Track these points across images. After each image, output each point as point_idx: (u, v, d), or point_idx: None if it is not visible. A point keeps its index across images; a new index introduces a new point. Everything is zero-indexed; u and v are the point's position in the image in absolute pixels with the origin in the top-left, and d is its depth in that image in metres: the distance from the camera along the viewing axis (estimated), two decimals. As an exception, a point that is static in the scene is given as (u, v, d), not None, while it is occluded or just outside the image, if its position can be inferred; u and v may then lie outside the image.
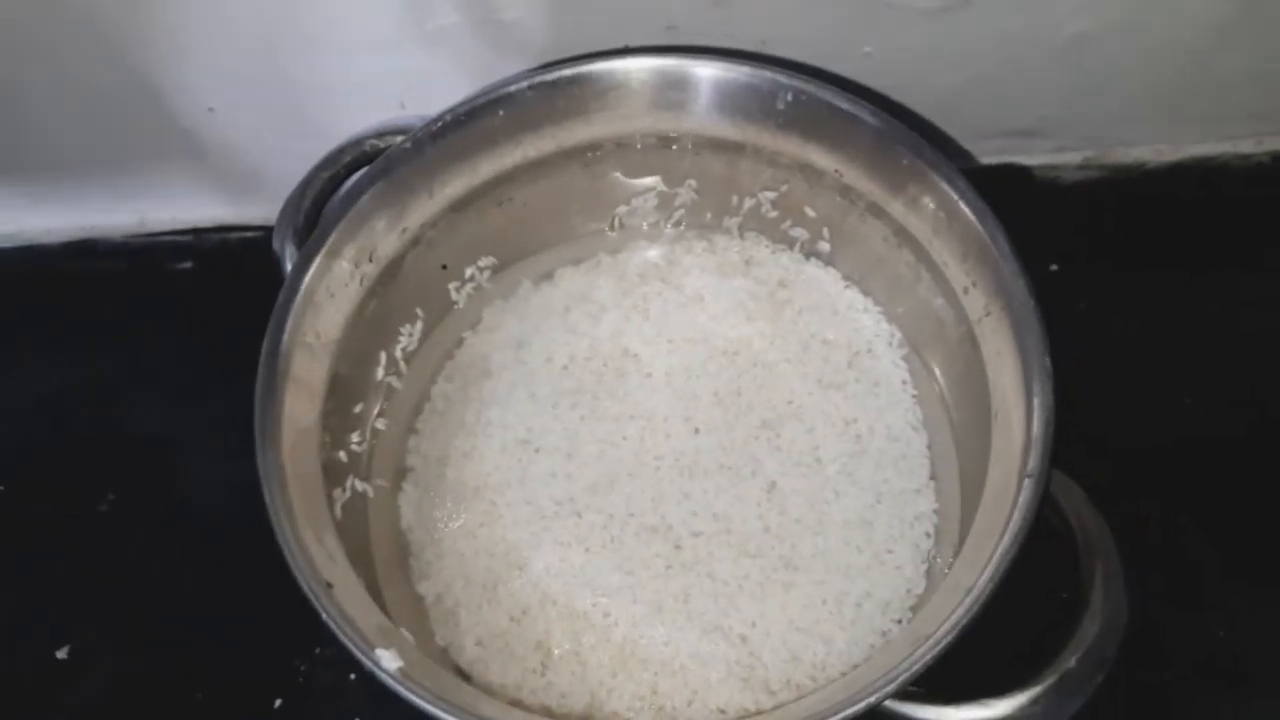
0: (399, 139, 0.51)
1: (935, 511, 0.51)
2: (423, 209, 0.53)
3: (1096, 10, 0.57)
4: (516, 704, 0.47)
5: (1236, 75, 0.63)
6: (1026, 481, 0.38)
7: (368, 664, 0.38)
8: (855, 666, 0.47)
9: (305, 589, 0.39)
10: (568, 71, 0.51)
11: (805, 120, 0.50)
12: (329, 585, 0.40)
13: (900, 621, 0.48)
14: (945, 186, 0.45)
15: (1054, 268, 0.63)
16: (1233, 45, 0.60)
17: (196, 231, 0.71)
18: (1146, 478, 0.56)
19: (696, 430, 0.54)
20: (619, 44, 0.58)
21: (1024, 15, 0.57)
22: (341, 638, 0.38)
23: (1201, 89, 0.64)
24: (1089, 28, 0.58)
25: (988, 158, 0.70)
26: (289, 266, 0.49)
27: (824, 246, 0.58)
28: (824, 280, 0.58)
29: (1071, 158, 0.70)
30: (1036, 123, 0.68)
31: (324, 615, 0.39)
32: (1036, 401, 0.39)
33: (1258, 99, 0.66)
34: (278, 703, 0.53)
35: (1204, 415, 0.59)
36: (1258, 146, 0.69)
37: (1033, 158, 0.70)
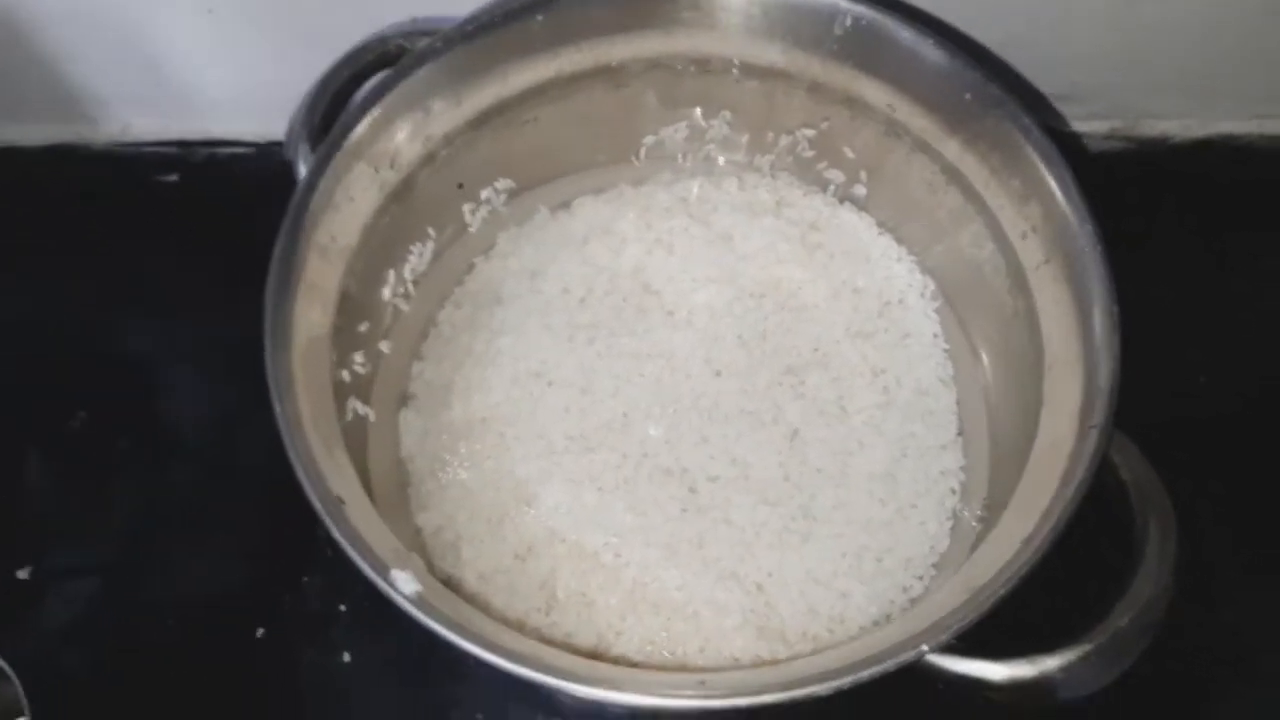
0: (426, 39, 0.47)
1: (962, 468, 0.50)
2: (448, 116, 0.49)
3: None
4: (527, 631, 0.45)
5: (1269, 55, 0.62)
6: (1092, 432, 0.36)
7: (383, 586, 0.35)
8: (875, 622, 0.45)
9: (315, 503, 0.36)
10: (612, -20, 0.48)
11: (862, 49, 0.47)
12: (341, 500, 0.37)
13: (922, 579, 0.47)
14: (1010, 125, 0.43)
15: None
16: (1269, 24, 0.59)
17: (184, 144, 0.67)
18: (1163, 457, 0.55)
19: (718, 373, 0.52)
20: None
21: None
22: (354, 557, 0.36)
23: (1239, 64, 0.63)
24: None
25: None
26: (303, 168, 0.45)
27: (859, 190, 0.55)
28: (858, 226, 0.56)
29: (1099, 126, 0.69)
30: (1069, 88, 0.66)
31: (335, 532, 0.36)
32: (1103, 351, 0.37)
33: (1291, 78, 0.65)
34: (260, 632, 0.50)
35: (1221, 394, 0.58)
36: (1286, 126, 0.68)
37: (1061, 123, 0.68)
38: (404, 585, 0.35)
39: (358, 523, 0.37)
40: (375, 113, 0.46)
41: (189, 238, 0.63)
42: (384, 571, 0.35)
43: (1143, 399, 0.56)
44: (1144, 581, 0.36)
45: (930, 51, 0.45)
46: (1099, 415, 0.36)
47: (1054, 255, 0.42)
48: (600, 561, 0.47)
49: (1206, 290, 0.62)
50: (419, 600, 0.35)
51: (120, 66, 0.62)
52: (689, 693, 0.36)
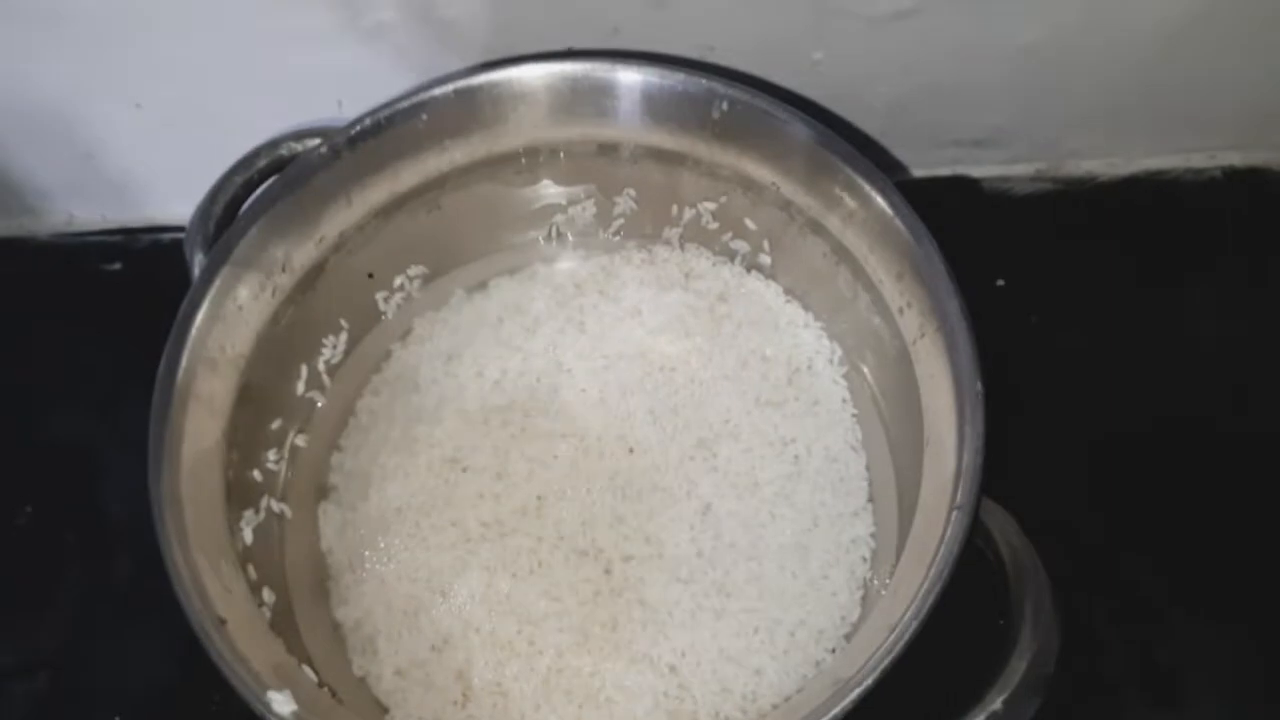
0: (316, 143, 0.49)
1: (872, 535, 0.50)
2: (341, 217, 0.50)
3: (1048, 19, 0.56)
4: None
5: (1189, 89, 0.62)
6: (955, 514, 0.36)
7: (257, 708, 0.36)
8: (786, 698, 0.45)
9: (194, 625, 0.37)
10: (494, 75, 0.49)
11: (742, 131, 0.48)
12: (221, 620, 0.37)
13: (834, 651, 0.47)
14: (880, 202, 0.44)
15: (1000, 283, 0.62)
16: (1184, 59, 0.59)
17: (127, 231, 0.69)
18: (1094, 491, 0.55)
19: (631, 450, 0.52)
20: (561, 45, 0.56)
21: (975, 24, 0.56)
22: (230, 678, 0.36)
23: (1154, 102, 0.64)
24: (1040, 37, 0.57)
25: (940, 168, 0.69)
26: (197, 276, 0.46)
27: (765, 260, 0.56)
28: (765, 294, 0.56)
29: (1024, 169, 0.69)
30: (988, 133, 0.67)
31: (212, 654, 0.36)
32: (968, 430, 0.38)
33: (1210, 113, 0.65)
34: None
35: (1153, 429, 0.58)
36: (1210, 161, 0.69)
37: (985, 168, 0.69)
38: (280, 707, 0.36)
39: (239, 642, 0.37)
40: (262, 221, 0.47)
41: (133, 326, 0.63)
42: (259, 694, 0.36)
43: (1077, 435, 0.56)
44: (1018, 661, 0.36)
45: (801, 131, 0.46)
46: (962, 496, 0.36)
47: (928, 329, 0.42)
48: (514, 650, 0.47)
49: (1138, 326, 0.62)
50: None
51: (58, 159, 0.64)
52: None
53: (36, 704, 0.53)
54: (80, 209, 0.68)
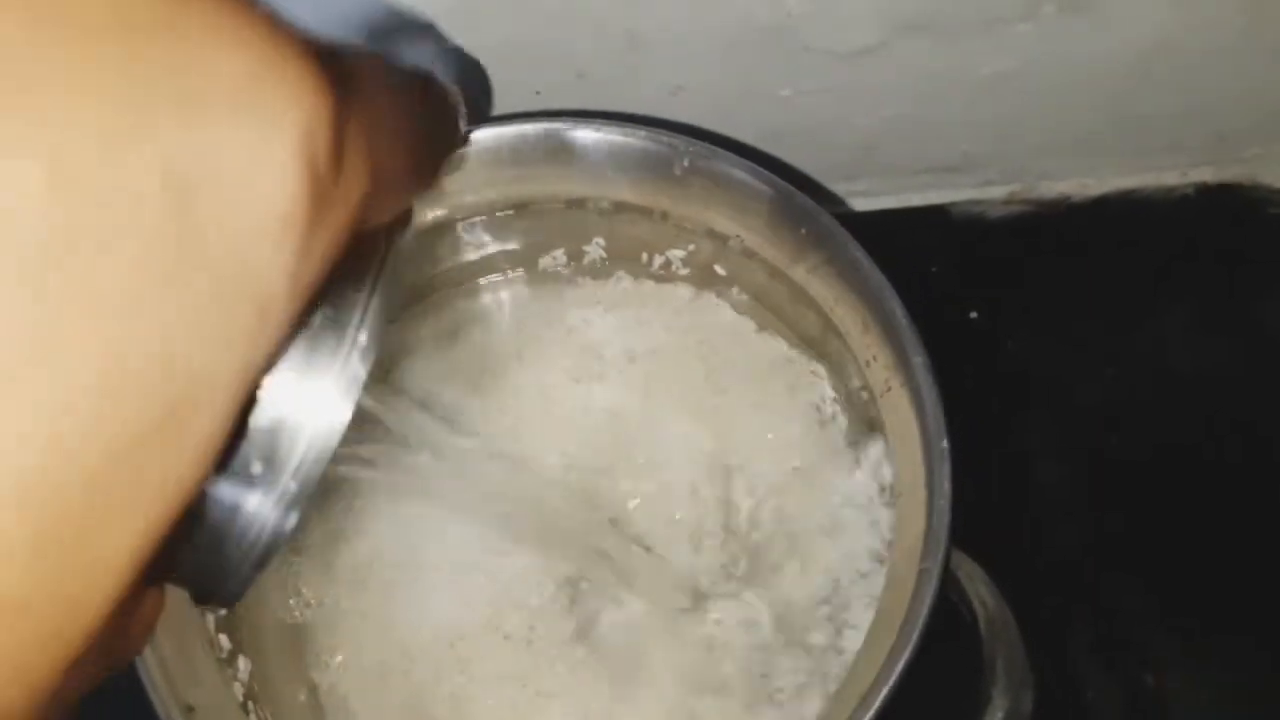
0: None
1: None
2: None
3: (1014, 49, 0.56)
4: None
5: (1159, 109, 0.63)
6: (922, 575, 0.36)
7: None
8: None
9: (161, 715, 0.37)
10: (456, 135, 0.49)
11: (704, 186, 0.48)
12: (190, 708, 0.37)
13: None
14: (841, 257, 0.44)
15: (974, 315, 0.62)
16: (1154, 80, 0.60)
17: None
18: (1073, 520, 0.55)
19: (613, 521, 0.52)
20: (527, 89, 0.56)
21: (942, 55, 0.56)
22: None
23: (1124, 123, 0.64)
24: (1008, 66, 0.57)
25: (912, 195, 0.69)
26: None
27: (739, 298, 0.56)
28: (740, 328, 0.56)
29: (996, 193, 0.70)
30: (960, 159, 0.67)
31: (180, 747, 0.36)
32: (935, 488, 0.38)
33: (1180, 131, 0.65)
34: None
35: (1131, 455, 0.58)
36: (1182, 179, 0.69)
37: (958, 193, 0.69)
38: (251, 797, 0.36)
39: (209, 731, 0.37)
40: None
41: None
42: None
43: (1055, 463, 0.56)
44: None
45: (761, 187, 0.46)
46: (929, 559, 0.36)
47: (894, 383, 0.42)
48: (502, 711, 0.47)
49: (1115, 348, 0.62)
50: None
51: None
52: None
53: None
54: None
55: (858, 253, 0.42)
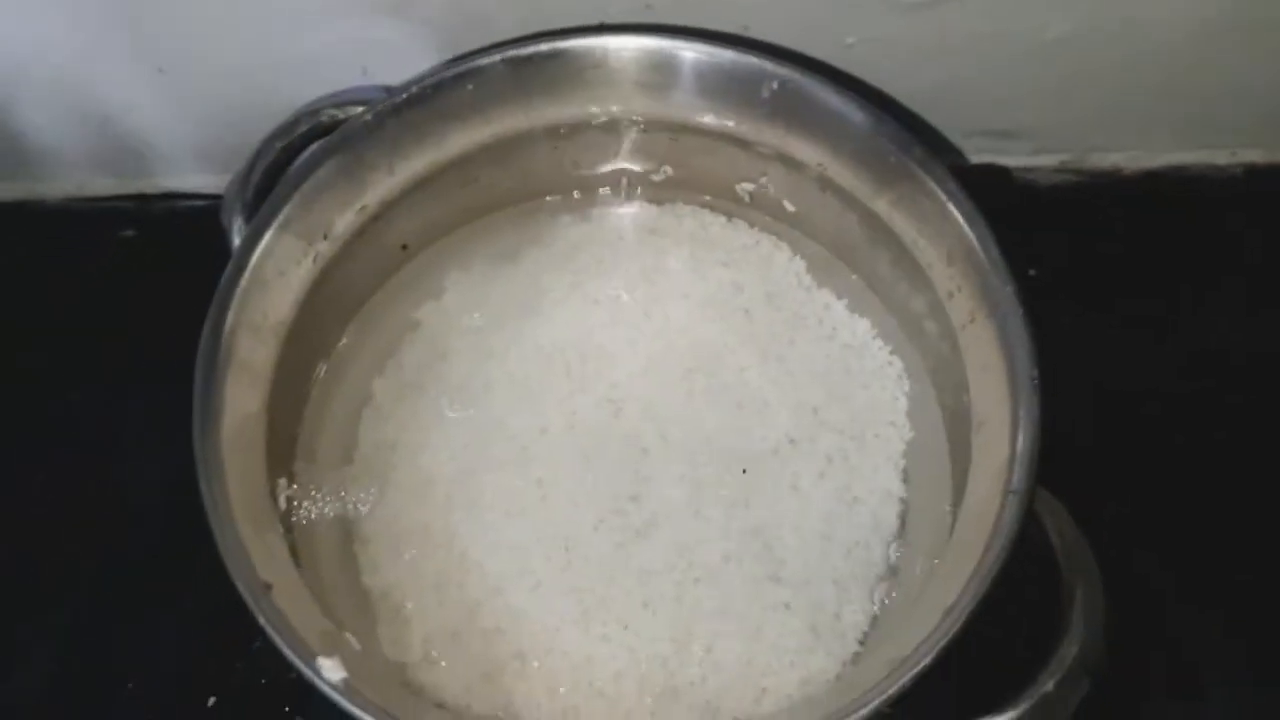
0: (359, 110, 0.48)
1: (900, 516, 0.50)
2: (383, 186, 0.50)
3: (1079, 13, 0.56)
4: (465, 713, 0.45)
5: (1214, 85, 0.62)
6: (1010, 498, 0.36)
7: (308, 674, 0.35)
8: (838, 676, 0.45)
9: (242, 590, 0.36)
10: (544, 46, 0.49)
11: (790, 111, 0.47)
12: (268, 586, 0.37)
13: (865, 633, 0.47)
14: (934, 186, 0.44)
15: (1032, 272, 0.62)
16: (1212, 54, 0.60)
17: (141, 198, 0.67)
18: (1114, 482, 0.55)
19: (664, 437, 0.52)
20: (593, 19, 0.55)
21: (1006, 14, 0.56)
22: (280, 644, 0.36)
23: (1179, 97, 0.64)
24: (1071, 30, 0.57)
25: (969, 157, 0.68)
26: (237, 242, 0.46)
27: (801, 239, 0.56)
28: (800, 276, 0.56)
29: (1048, 160, 0.70)
30: (1014, 124, 0.67)
31: (261, 619, 0.36)
32: (1023, 416, 0.38)
33: (1233, 109, 0.65)
34: (211, 700, 0.50)
35: (1172, 425, 0.59)
36: (1232, 158, 0.69)
37: (1011, 159, 0.69)
38: (330, 673, 0.36)
39: (285, 608, 0.37)
40: (306, 187, 0.46)
41: (148, 294, 0.63)
42: (310, 659, 0.36)
43: (1084, 444, 0.57)
44: (1069, 645, 0.36)
45: (855, 113, 0.45)
46: (1018, 481, 0.36)
47: (979, 315, 0.42)
48: (550, 622, 0.47)
49: (1158, 321, 0.62)
50: (345, 687, 0.35)
51: (74, 124, 0.62)
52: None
53: (54, 679, 0.52)
54: (93, 174, 0.67)
55: (951, 183, 0.42)
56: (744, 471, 0.50)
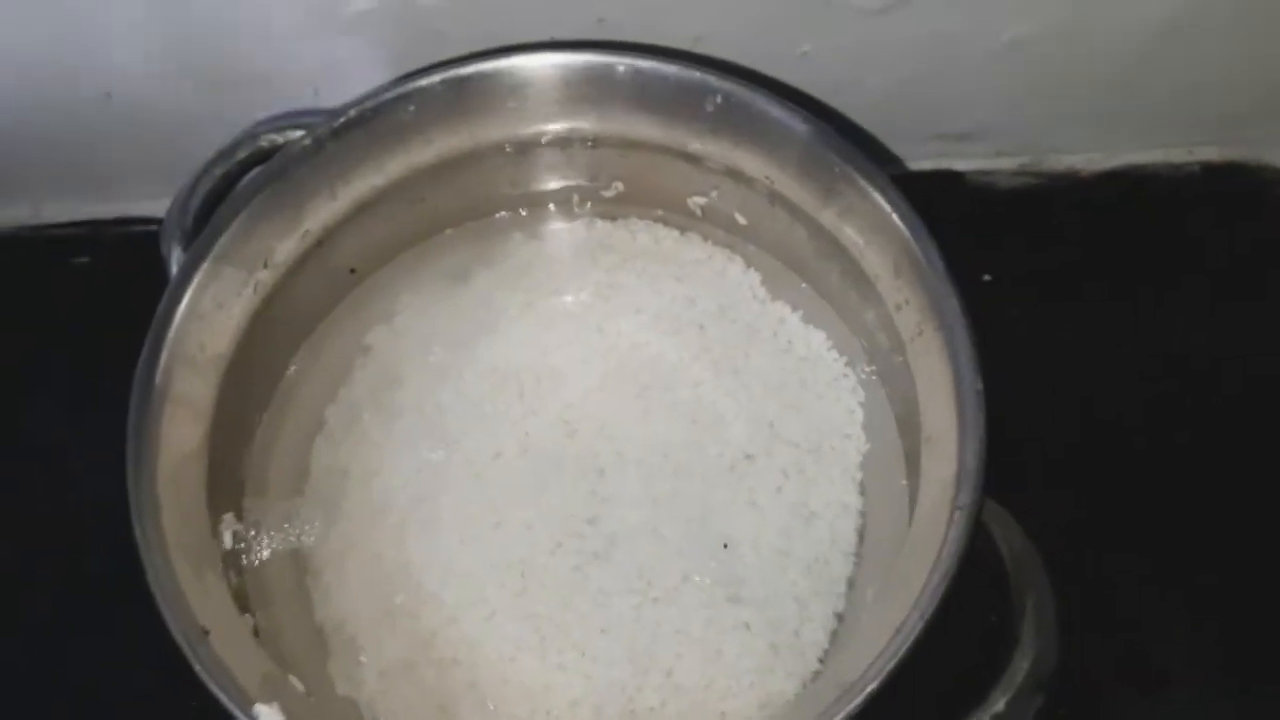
0: (299, 134, 0.47)
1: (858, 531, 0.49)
2: (325, 211, 0.49)
3: (1036, 15, 0.56)
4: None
5: (1170, 84, 0.63)
6: (958, 514, 0.36)
7: (244, 720, 0.35)
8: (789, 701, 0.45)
9: (177, 636, 0.36)
10: (485, 65, 0.48)
11: (735, 125, 0.47)
12: (205, 631, 0.36)
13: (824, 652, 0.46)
14: (877, 197, 0.43)
15: (987, 277, 0.62)
16: (1168, 54, 0.60)
17: (95, 224, 0.67)
18: (1073, 486, 0.55)
19: (620, 456, 0.51)
20: (545, 35, 0.55)
21: (963, 17, 0.56)
22: (216, 691, 0.35)
23: (1135, 98, 0.64)
24: (1028, 32, 0.57)
25: (924, 161, 0.68)
26: (174, 271, 0.45)
27: (754, 252, 0.55)
28: (754, 289, 0.55)
29: (1006, 164, 0.69)
30: (972, 127, 0.67)
31: (196, 666, 0.35)
32: (969, 429, 0.37)
33: (1190, 108, 0.66)
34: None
35: (1135, 423, 0.58)
36: (1189, 156, 0.69)
37: (969, 162, 0.69)
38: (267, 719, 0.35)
39: (224, 652, 0.36)
40: (243, 215, 0.45)
41: (101, 321, 0.62)
42: (246, 707, 0.35)
43: (1054, 431, 0.56)
44: (1021, 660, 0.36)
45: (798, 125, 0.45)
46: (965, 496, 0.36)
47: (926, 327, 0.42)
48: (507, 650, 0.46)
49: (1118, 321, 0.62)
50: (283, 732, 0.35)
51: (24, 148, 0.61)
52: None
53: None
54: (47, 201, 0.66)
55: (894, 193, 0.42)
56: (704, 499, 0.50)
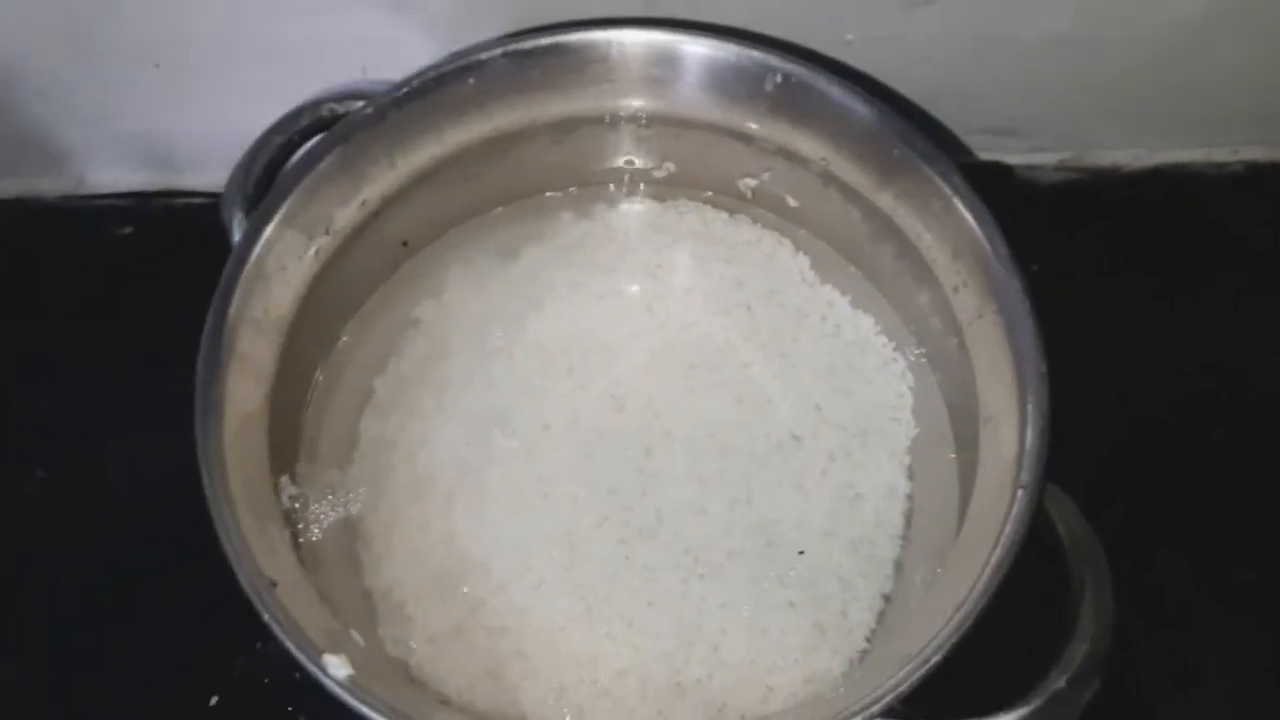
0: (360, 104, 0.47)
1: (905, 514, 0.50)
2: (384, 180, 0.49)
3: (1074, 11, 0.56)
4: (469, 709, 0.44)
5: (1213, 82, 0.63)
6: (1020, 493, 0.36)
7: (314, 671, 0.35)
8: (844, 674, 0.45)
9: (246, 587, 0.36)
10: (546, 40, 0.48)
11: (793, 105, 0.47)
12: (273, 583, 0.37)
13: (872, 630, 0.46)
14: (939, 181, 0.43)
15: (1035, 268, 0.62)
16: (1210, 51, 0.60)
17: (139, 195, 0.67)
18: (1118, 483, 0.55)
19: (667, 434, 0.51)
20: (594, 14, 0.55)
21: (1005, 12, 0.56)
22: (285, 641, 0.35)
23: (1178, 94, 0.64)
24: (1070, 27, 0.57)
25: (969, 155, 0.68)
26: (237, 236, 0.45)
27: (803, 236, 0.55)
28: (803, 272, 0.56)
29: (1048, 158, 0.70)
30: (1011, 121, 0.67)
31: (266, 616, 0.35)
32: (1031, 410, 0.37)
33: (1232, 107, 0.66)
34: (213, 700, 0.50)
35: (1170, 423, 0.58)
36: (1232, 155, 0.69)
37: (1010, 157, 0.69)
38: (335, 670, 0.35)
39: (290, 604, 0.37)
40: (307, 181, 0.45)
41: (145, 292, 0.63)
42: (315, 657, 0.35)
43: (1085, 442, 0.56)
44: (1080, 641, 0.36)
45: (859, 107, 0.45)
46: (1027, 476, 0.36)
47: (986, 310, 0.42)
48: (553, 620, 0.47)
49: (1159, 317, 0.62)
50: (351, 685, 0.35)
51: (71, 119, 0.62)
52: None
53: (52, 679, 0.52)
54: (92, 171, 0.67)
55: (957, 177, 0.42)
56: (748, 477, 0.50)
